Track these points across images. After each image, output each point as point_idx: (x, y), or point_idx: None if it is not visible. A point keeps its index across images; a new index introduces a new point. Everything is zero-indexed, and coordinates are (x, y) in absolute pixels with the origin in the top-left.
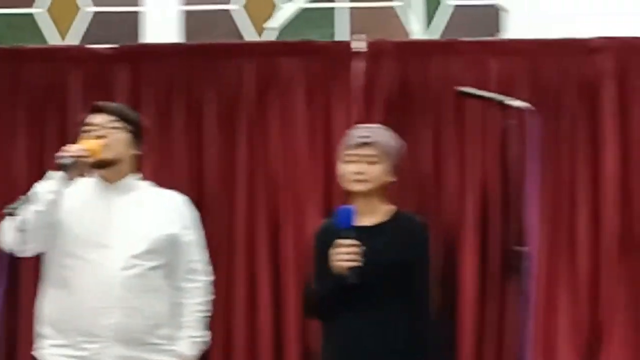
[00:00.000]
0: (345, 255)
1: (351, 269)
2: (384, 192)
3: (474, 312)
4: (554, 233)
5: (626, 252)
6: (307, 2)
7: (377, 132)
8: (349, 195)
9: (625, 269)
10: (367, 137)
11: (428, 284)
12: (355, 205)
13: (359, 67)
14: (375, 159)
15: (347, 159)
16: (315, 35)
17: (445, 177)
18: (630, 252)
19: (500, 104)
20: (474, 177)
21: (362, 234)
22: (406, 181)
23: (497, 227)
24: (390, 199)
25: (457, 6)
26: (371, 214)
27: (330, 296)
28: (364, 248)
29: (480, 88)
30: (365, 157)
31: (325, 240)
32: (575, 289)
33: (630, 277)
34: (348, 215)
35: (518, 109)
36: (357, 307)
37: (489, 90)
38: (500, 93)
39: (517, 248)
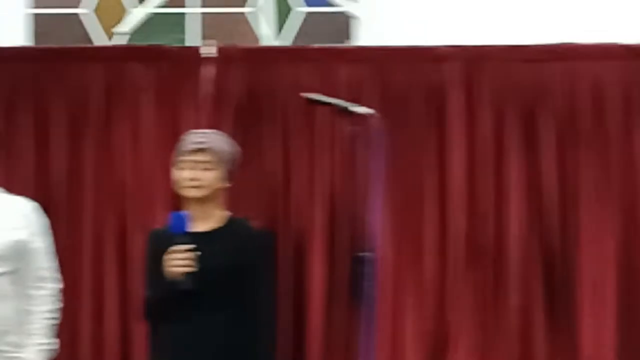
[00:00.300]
0: (179, 260)
1: (185, 274)
2: (218, 198)
3: (322, 319)
4: (401, 238)
5: (473, 258)
6: (157, 7)
7: (211, 138)
8: (183, 201)
9: (472, 274)
10: (202, 142)
11: (269, 290)
12: (189, 211)
13: (208, 73)
14: (209, 165)
15: (182, 165)
16: (166, 41)
17: (294, 184)
18: (476, 258)
19: (345, 110)
20: (322, 184)
21: (197, 239)
22: (255, 188)
23: (345, 233)
24: (232, 206)
25: (308, 13)
26: (206, 220)
27: (165, 301)
28: (198, 253)
29: (329, 95)
30: (199, 163)
31: (160, 246)
32: (422, 295)
33: (477, 283)
34: (182, 220)
35: (363, 115)
36: (192, 312)
37: (338, 97)
38: (349, 100)
39: (362, 254)
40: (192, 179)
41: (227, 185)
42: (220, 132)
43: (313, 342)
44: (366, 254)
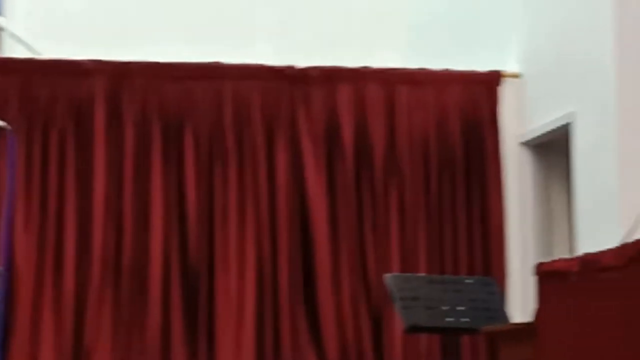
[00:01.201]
0: None
1: None
2: None
3: None
4: (41, 255)
5: (113, 276)
6: None
7: None
8: None
9: (113, 292)
10: None
11: None
12: None
13: None
14: None
15: None
16: None
17: None
18: (117, 276)
19: None
20: None
21: None
22: None
23: None
24: None
25: None
26: None
27: None
28: None
29: None
30: None
31: None
32: (60, 311)
33: (117, 300)
34: None
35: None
36: None
37: None
38: None
39: None
40: None
41: None
42: None
43: None
44: None
